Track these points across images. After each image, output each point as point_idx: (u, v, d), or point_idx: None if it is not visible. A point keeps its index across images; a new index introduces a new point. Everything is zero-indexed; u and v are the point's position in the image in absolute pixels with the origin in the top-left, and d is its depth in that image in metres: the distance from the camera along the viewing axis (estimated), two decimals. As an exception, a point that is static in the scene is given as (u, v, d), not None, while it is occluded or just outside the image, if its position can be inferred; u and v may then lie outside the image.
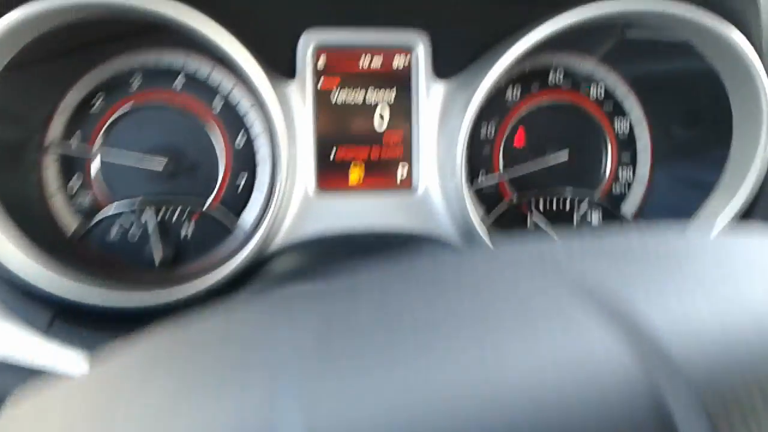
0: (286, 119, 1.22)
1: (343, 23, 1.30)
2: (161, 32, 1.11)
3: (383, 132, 1.36)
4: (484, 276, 0.43)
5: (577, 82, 1.43)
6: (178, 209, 1.31)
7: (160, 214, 1.30)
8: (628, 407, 0.32)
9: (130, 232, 1.29)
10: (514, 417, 0.32)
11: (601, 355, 0.35)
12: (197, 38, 1.10)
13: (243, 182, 1.34)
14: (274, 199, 1.20)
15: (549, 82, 1.41)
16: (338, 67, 1.33)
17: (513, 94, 1.40)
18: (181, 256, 1.31)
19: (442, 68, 1.33)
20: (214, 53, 1.14)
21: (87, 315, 1.09)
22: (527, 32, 1.14)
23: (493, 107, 1.30)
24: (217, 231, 1.33)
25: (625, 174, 1.46)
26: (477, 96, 1.17)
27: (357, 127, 1.35)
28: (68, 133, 1.28)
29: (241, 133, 1.33)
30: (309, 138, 1.32)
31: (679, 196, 1.41)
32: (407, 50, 1.34)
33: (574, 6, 1.12)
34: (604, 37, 1.36)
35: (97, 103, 1.28)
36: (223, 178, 1.33)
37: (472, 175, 1.40)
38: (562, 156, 1.38)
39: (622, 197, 1.47)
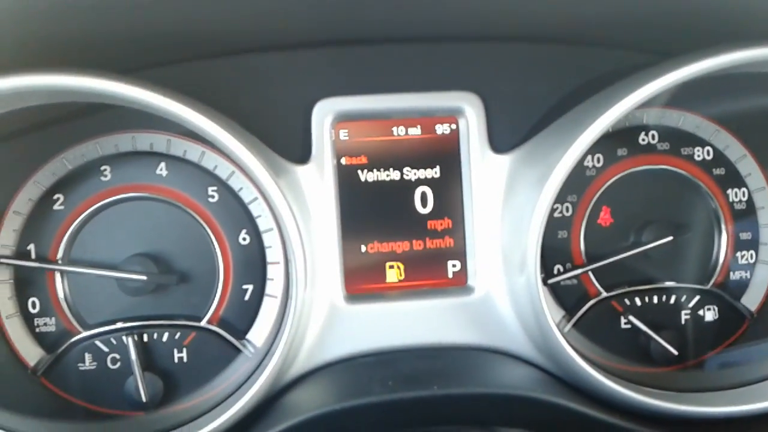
0: (301, 210, 1.12)
1: (365, 90, 1.23)
2: (132, 110, 1.02)
3: (427, 217, 1.26)
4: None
5: (676, 142, 1.30)
6: (167, 331, 1.19)
7: (145, 337, 1.18)
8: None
9: (107, 364, 1.18)
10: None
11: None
12: (175, 121, 1.02)
13: (250, 290, 1.23)
14: (291, 311, 1.08)
15: (639, 145, 1.29)
16: (364, 140, 1.25)
17: (594, 161, 1.28)
18: (174, 390, 1.19)
19: (499, 137, 1.24)
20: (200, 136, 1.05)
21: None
22: (628, 89, 1.03)
23: (569, 180, 1.15)
24: (218, 353, 1.21)
25: (744, 257, 1.31)
26: (558, 172, 1.06)
27: (393, 212, 1.25)
28: (24, 240, 1.18)
29: (244, 229, 1.22)
30: (332, 230, 1.22)
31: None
32: (453, 116, 1.25)
33: (690, 54, 1.01)
34: (711, 88, 1.22)
35: (59, 201, 1.18)
36: (224, 287, 1.22)
37: (545, 268, 1.27)
38: (664, 240, 1.23)
39: (742, 287, 1.32)
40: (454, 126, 1.25)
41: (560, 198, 1.26)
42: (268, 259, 1.22)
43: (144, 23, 1.03)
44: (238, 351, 1.20)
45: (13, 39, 0.96)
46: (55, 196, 1.18)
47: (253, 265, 1.22)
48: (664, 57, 1.09)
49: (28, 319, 1.18)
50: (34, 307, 1.18)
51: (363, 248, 1.24)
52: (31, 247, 1.18)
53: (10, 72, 0.92)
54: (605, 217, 1.28)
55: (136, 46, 1.11)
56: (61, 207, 1.18)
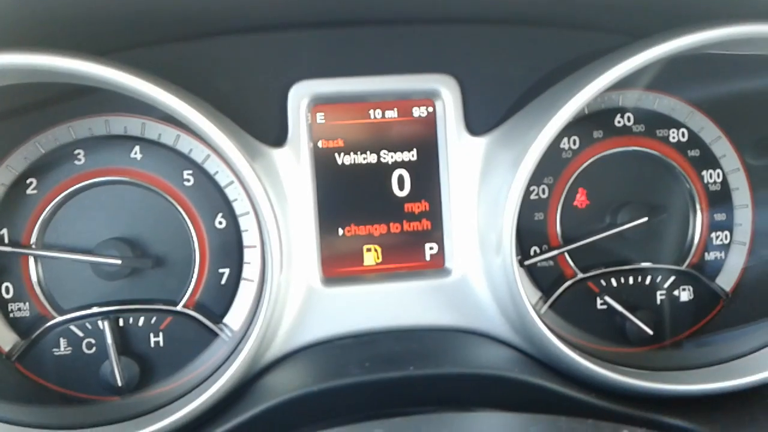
0: (277, 193, 1.11)
1: (342, 72, 1.21)
2: (106, 93, 1.01)
3: (404, 200, 1.25)
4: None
5: (651, 124, 1.29)
6: (143, 315, 1.18)
7: (120, 321, 1.17)
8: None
9: (82, 348, 1.16)
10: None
11: None
12: (149, 103, 1.00)
13: (227, 273, 1.21)
14: (267, 294, 1.07)
15: (615, 127, 1.28)
16: (341, 123, 1.23)
17: (570, 143, 1.27)
18: (150, 374, 1.18)
19: (475, 120, 1.23)
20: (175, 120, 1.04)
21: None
22: (599, 69, 1.02)
23: (545, 162, 1.15)
24: (195, 337, 1.19)
25: (719, 238, 1.31)
26: (532, 153, 1.05)
27: (370, 195, 1.24)
28: None
29: (220, 213, 1.20)
30: (309, 213, 1.21)
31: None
32: (430, 98, 1.24)
33: (659, 34, 1.00)
34: (686, 70, 1.23)
35: (32, 185, 1.16)
36: (200, 270, 1.21)
37: (522, 250, 1.27)
38: (640, 221, 1.24)
39: (717, 267, 1.32)
40: (431, 109, 1.24)
41: (536, 180, 1.26)
42: (245, 242, 1.21)
43: (119, 3, 1.00)
44: (215, 335, 1.19)
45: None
46: (28, 181, 1.16)
47: (229, 248, 1.21)
48: (637, 39, 1.08)
49: (1, 304, 1.16)
50: (7, 292, 1.16)
51: (340, 231, 1.23)
52: (4, 231, 1.16)
53: None
54: (581, 199, 1.28)
55: (110, 27, 1.08)
56: (35, 191, 1.16)
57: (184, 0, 1.04)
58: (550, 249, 1.26)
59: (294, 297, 1.18)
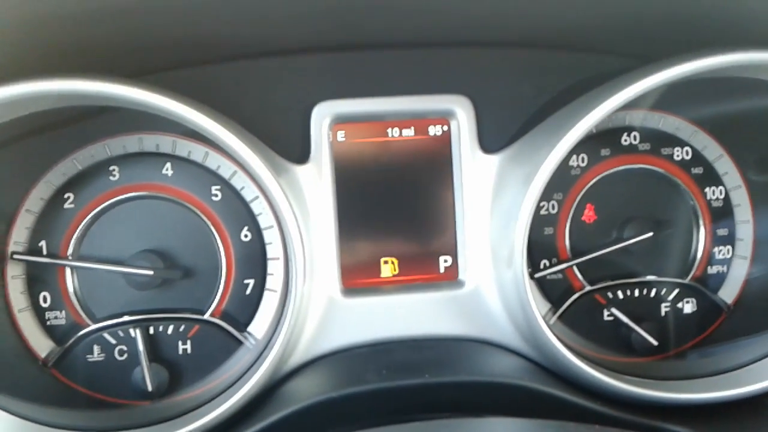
0: (300, 208, 1.15)
1: (362, 93, 1.25)
2: (140, 113, 1.05)
3: (420, 214, 1.28)
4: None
5: (657, 143, 1.32)
6: (172, 323, 1.21)
7: (151, 329, 1.20)
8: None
9: (114, 355, 1.20)
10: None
11: None
12: (180, 122, 1.04)
13: (252, 284, 1.25)
14: (290, 304, 1.10)
15: (622, 145, 1.31)
16: (360, 141, 1.27)
17: (578, 161, 1.30)
18: (179, 379, 1.21)
19: (488, 138, 1.26)
20: (204, 137, 1.08)
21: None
22: (608, 92, 1.06)
23: (555, 179, 1.18)
24: (221, 345, 1.23)
25: (722, 252, 1.34)
26: (543, 171, 1.08)
27: (387, 209, 1.28)
28: (36, 237, 1.20)
29: (246, 226, 1.24)
30: (330, 227, 1.25)
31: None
32: (445, 118, 1.27)
33: (667, 60, 1.04)
34: (691, 91, 1.25)
35: (70, 200, 1.20)
36: (227, 281, 1.24)
37: (532, 263, 1.30)
38: (645, 236, 1.26)
39: (719, 281, 1.35)
40: (446, 127, 1.27)
41: (546, 196, 1.28)
42: (269, 255, 1.24)
43: (152, 31, 1.05)
44: (240, 343, 1.22)
45: (26, 47, 0.99)
46: (66, 195, 1.19)
47: (254, 260, 1.24)
48: (645, 62, 1.11)
49: (39, 312, 1.20)
50: (45, 301, 1.20)
51: (359, 244, 1.27)
52: (43, 243, 1.19)
53: (24, 78, 0.94)
54: (589, 214, 1.30)
55: (145, 53, 1.13)
56: (72, 205, 1.20)
57: (212, 28, 1.08)
58: (560, 262, 1.29)
59: (315, 307, 1.21)
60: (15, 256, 1.17)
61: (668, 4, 1.07)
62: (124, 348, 1.20)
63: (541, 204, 1.29)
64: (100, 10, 0.94)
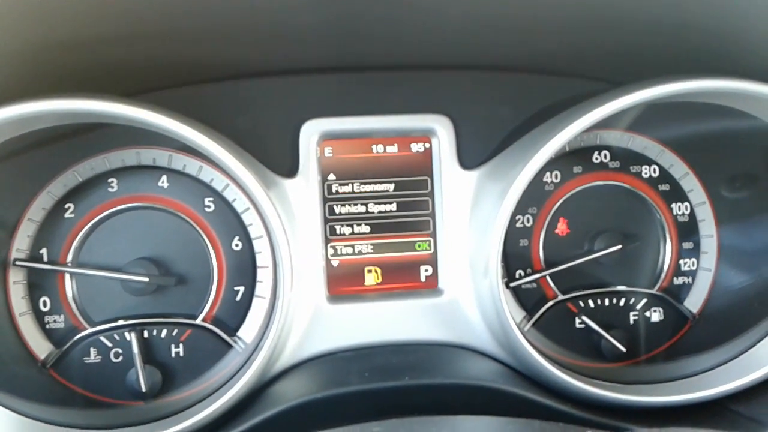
0: (289, 220, 1.19)
1: (348, 112, 1.29)
2: (138, 129, 1.08)
3: (402, 226, 1.32)
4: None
5: (626, 161, 1.37)
6: (165, 327, 1.24)
7: (145, 333, 1.24)
8: None
9: (110, 357, 1.23)
10: None
11: None
12: (176, 138, 1.07)
13: (242, 291, 1.28)
14: (278, 310, 1.13)
15: (593, 163, 1.36)
16: (347, 157, 1.31)
17: (552, 177, 1.34)
18: (172, 381, 1.24)
19: (467, 155, 1.30)
20: (199, 152, 1.11)
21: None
22: (578, 113, 1.10)
23: (530, 194, 1.22)
24: (212, 348, 1.26)
25: (687, 264, 1.38)
26: (517, 186, 1.12)
27: (371, 222, 1.31)
28: (37, 244, 1.23)
29: (237, 236, 1.28)
30: (317, 238, 1.29)
31: (749, 288, 1.33)
32: (427, 136, 1.32)
33: (634, 84, 1.08)
34: (658, 113, 1.29)
35: (70, 210, 1.24)
36: (218, 288, 1.27)
37: (508, 273, 1.33)
38: (615, 248, 1.30)
39: (685, 291, 1.38)
40: (427, 145, 1.31)
41: (521, 210, 1.32)
42: (258, 263, 1.27)
43: (149, 53, 1.09)
44: (230, 347, 1.25)
45: (30, 68, 1.02)
46: (66, 205, 1.23)
47: (244, 268, 1.27)
48: (614, 86, 1.16)
49: (39, 316, 1.22)
50: (45, 305, 1.22)
51: (345, 254, 1.30)
52: (44, 251, 1.22)
53: (29, 99, 0.98)
54: (562, 228, 1.34)
55: (144, 72, 1.17)
56: (72, 215, 1.23)
57: (206, 49, 1.12)
58: (534, 272, 1.32)
59: (302, 313, 1.24)
60: (17, 263, 1.20)
61: (632, 35, 1.12)
62: (120, 351, 1.22)
63: (517, 217, 1.32)
64: (102, 36, 0.98)
